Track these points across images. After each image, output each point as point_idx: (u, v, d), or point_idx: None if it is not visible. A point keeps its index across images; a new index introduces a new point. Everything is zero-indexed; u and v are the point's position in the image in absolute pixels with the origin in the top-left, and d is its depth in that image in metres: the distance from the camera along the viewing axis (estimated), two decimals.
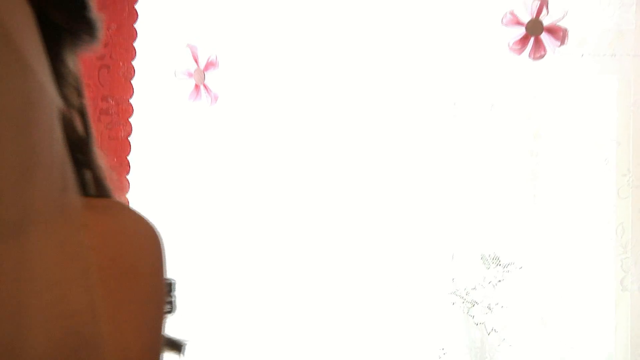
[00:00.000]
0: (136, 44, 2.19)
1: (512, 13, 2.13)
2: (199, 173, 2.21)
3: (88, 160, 0.88)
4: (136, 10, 2.17)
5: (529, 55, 2.14)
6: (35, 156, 0.69)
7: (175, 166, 2.23)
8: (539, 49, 2.12)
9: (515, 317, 2.14)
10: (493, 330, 2.08)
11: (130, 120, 2.20)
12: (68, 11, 0.80)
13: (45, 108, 0.70)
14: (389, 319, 2.12)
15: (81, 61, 2.00)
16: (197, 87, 2.24)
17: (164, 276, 0.85)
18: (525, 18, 2.13)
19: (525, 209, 2.17)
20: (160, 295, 0.85)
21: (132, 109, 2.20)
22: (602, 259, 2.17)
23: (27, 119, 0.68)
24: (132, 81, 2.20)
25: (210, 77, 2.23)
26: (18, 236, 0.69)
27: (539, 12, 2.12)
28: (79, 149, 0.86)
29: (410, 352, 2.09)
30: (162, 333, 0.86)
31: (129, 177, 2.15)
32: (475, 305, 2.12)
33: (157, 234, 0.82)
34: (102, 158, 0.88)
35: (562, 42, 2.12)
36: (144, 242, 0.83)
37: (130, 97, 2.20)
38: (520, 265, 2.11)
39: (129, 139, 2.19)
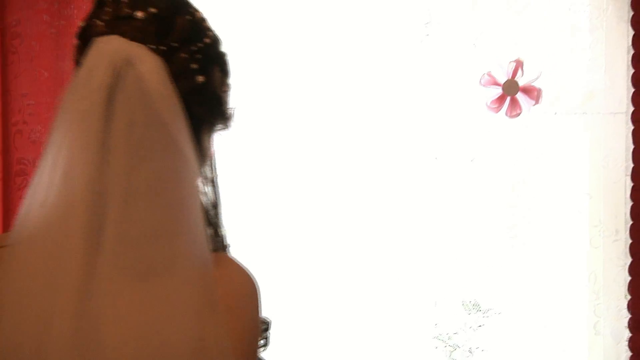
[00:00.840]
0: None
1: (489, 74, 2.25)
2: None
3: (216, 221, 1.13)
4: None
5: (506, 114, 2.24)
6: (182, 213, 0.96)
7: None
8: (514, 108, 2.23)
9: None
10: None
11: None
12: (208, 108, 1.06)
13: (190, 180, 0.97)
14: None
15: None
16: None
17: (260, 315, 1.08)
18: (502, 79, 2.24)
19: (504, 258, 2.25)
20: (255, 330, 1.08)
21: None
22: (576, 305, 2.24)
23: (178, 187, 0.95)
24: None
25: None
26: (167, 276, 0.95)
27: (515, 73, 2.24)
28: (212, 217, 1.12)
29: None
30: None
31: None
32: (457, 349, 2.18)
33: (255, 282, 1.06)
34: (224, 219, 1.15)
35: (537, 101, 2.23)
36: (246, 289, 1.06)
37: None
38: (499, 311, 2.17)
39: None
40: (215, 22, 1.11)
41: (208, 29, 1.09)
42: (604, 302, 2.23)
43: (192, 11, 1.07)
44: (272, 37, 2.35)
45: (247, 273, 1.08)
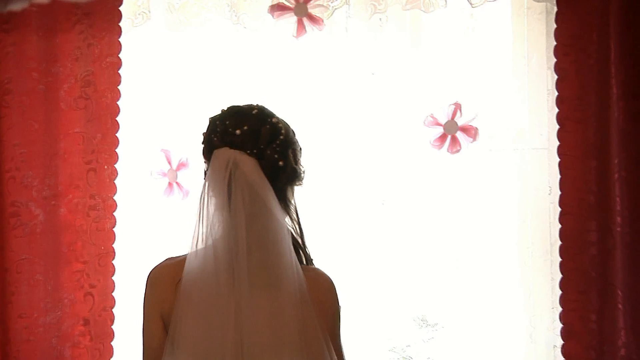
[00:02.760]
0: (118, 150, 2.33)
1: (432, 116, 2.32)
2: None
3: (304, 246, 1.67)
4: (117, 122, 2.35)
5: (447, 150, 2.31)
6: (280, 250, 1.50)
7: (152, 251, 2.29)
8: (455, 145, 2.31)
9: None
10: None
11: (114, 214, 2.36)
12: (288, 178, 1.59)
13: (281, 231, 1.52)
14: None
15: (72, 166, 2.15)
16: (170, 184, 2.39)
17: (338, 303, 1.61)
18: (443, 120, 2.30)
19: (449, 278, 2.33)
20: (337, 314, 1.61)
21: (116, 205, 2.34)
22: (513, 317, 2.33)
23: (275, 237, 1.51)
24: (115, 181, 2.36)
25: (182, 176, 2.36)
26: (278, 286, 1.50)
27: (454, 114, 2.31)
28: (299, 242, 1.65)
29: None
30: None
31: (114, 261, 2.31)
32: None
33: (332, 282, 1.61)
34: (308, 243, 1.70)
35: (474, 138, 2.30)
36: (327, 287, 1.61)
37: (114, 194, 2.37)
38: (444, 325, 2.26)
39: (113, 229, 2.33)
40: None
41: (282, 128, 1.61)
42: (538, 314, 2.31)
43: (270, 120, 1.60)
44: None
45: (327, 276, 1.66)
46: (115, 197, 2.36)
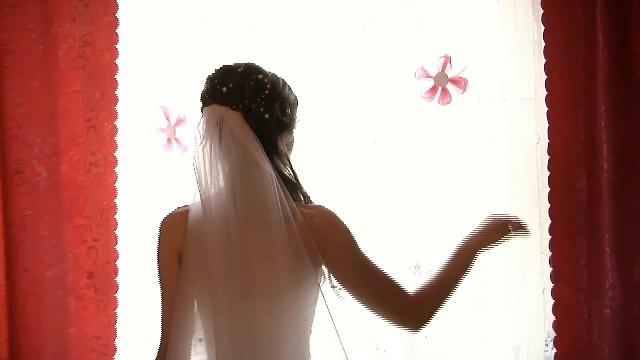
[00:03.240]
0: (117, 108, 2.36)
1: (422, 68, 2.35)
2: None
3: (299, 186, 1.78)
4: (116, 80, 2.36)
5: (438, 102, 2.35)
6: (266, 193, 1.63)
7: (153, 205, 2.36)
8: (445, 97, 2.34)
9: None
10: None
11: (115, 170, 2.38)
12: (274, 129, 1.71)
13: (267, 178, 1.63)
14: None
15: (72, 124, 2.16)
16: (169, 140, 2.42)
17: (348, 229, 1.69)
18: (433, 72, 2.34)
19: (441, 226, 2.38)
20: (349, 239, 1.69)
21: (117, 161, 2.37)
22: (504, 263, 2.40)
23: (262, 183, 1.63)
24: (115, 138, 2.38)
25: (180, 132, 2.38)
26: (288, 223, 1.65)
27: (444, 66, 2.35)
28: (294, 183, 1.76)
29: (350, 349, 2.26)
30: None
31: (116, 216, 2.33)
32: None
33: (337, 217, 1.69)
34: (303, 183, 1.81)
35: (464, 90, 2.33)
36: (333, 216, 1.70)
37: (115, 151, 2.39)
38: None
39: (115, 185, 2.36)
40: None
41: (267, 83, 1.73)
42: (528, 259, 2.40)
43: (255, 76, 1.72)
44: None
45: (328, 211, 1.75)
46: (115, 154, 2.38)
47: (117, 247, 2.38)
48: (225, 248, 1.73)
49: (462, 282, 1.84)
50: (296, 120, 1.87)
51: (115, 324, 2.38)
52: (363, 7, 2.46)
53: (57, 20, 2.40)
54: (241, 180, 1.73)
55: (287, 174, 1.81)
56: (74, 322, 2.40)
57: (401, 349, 2.37)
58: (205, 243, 1.73)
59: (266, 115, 1.73)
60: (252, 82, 1.73)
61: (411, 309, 1.78)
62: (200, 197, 1.72)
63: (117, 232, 2.35)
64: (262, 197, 1.72)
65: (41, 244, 2.41)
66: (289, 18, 2.48)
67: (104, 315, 2.37)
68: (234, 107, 1.71)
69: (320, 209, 1.77)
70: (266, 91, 1.73)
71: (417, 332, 1.89)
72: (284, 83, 1.84)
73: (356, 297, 1.78)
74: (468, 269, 1.89)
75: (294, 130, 1.86)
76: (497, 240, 1.91)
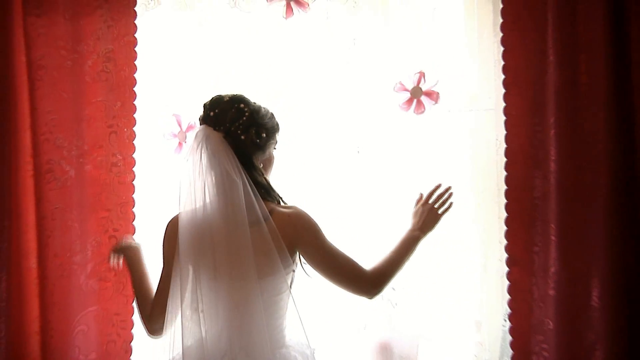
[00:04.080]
0: (135, 115, 2.54)
1: (400, 83, 2.55)
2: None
3: (271, 189, 2.11)
4: (135, 92, 2.55)
5: (414, 112, 2.55)
6: (237, 195, 1.98)
7: (165, 199, 2.51)
8: (420, 107, 2.55)
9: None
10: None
11: (133, 169, 2.56)
12: (250, 149, 2.06)
13: (238, 189, 1.98)
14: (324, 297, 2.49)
15: (96, 130, 2.40)
16: (180, 144, 2.61)
17: (315, 223, 2.06)
18: (410, 86, 2.54)
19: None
20: (315, 232, 2.07)
21: (135, 162, 2.55)
22: (469, 251, 2.62)
23: (234, 191, 1.99)
24: (133, 142, 2.55)
25: (190, 137, 2.49)
26: (260, 224, 1.98)
27: (419, 81, 2.55)
28: (267, 187, 2.09)
29: (334, 324, 2.47)
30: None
31: (134, 209, 2.53)
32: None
33: (302, 211, 2.07)
34: (276, 189, 2.13)
35: (436, 101, 2.54)
36: (304, 214, 2.06)
37: (133, 153, 2.56)
38: (410, 258, 2.38)
39: (133, 182, 2.54)
40: None
41: (246, 112, 2.07)
42: (489, 247, 2.60)
43: (237, 105, 2.07)
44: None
45: (296, 209, 2.10)
46: (133, 155, 2.55)
47: (134, 236, 2.53)
48: (209, 240, 2.06)
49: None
50: (272, 142, 2.20)
51: (132, 302, 2.52)
52: (348, 29, 2.62)
53: (84, 40, 2.57)
54: (222, 187, 2.04)
55: (262, 183, 2.12)
56: (96, 301, 2.56)
57: (380, 325, 2.54)
58: (193, 240, 2.05)
59: (242, 137, 2.07)
60: (233, 110, 2.08)
61: (368, 284, 2.16)
62: (187, 200, 2.05)
63: (134, 223, 2.54)
64: (235, 201, 2.03)
65: (69, 233, 2.56)
66: (283, 39, 2.67)
67: (123, 294, 2.54)
68: (217, 128, 2.07)
69: (295, 209, 2.13)
70: (244, 117, 2.08)
71: (371, 300, 2.24)
72: (266, 113, 2.16)
73: (324, 276, 2.15)
74: (413, 253, 2.27)
75: (268, 150, 2.18)
76: (434, 225, 2.33)
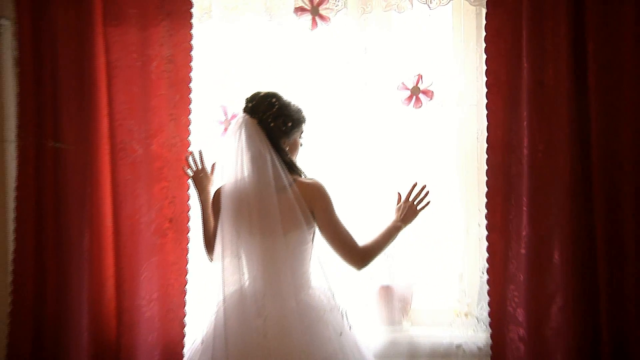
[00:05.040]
0: (191, 106, 2.81)
1: (402, 83, 2.85)
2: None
3: (294, 166, 2.48)
4: (190, 87, 2.80)
5: (413, 106, 2.86)
6: (267, 168, 2.39)
7: (214, 173, 2.75)
8: (418, 103, 2.86)
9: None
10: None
11: (189, 149, 2.80)
12: (277, 134, 2.44)
13: (266, 160, 2.38)
14: None
15: (159, 117, 2.73)
16: (225, 129, 2.83)
17: (329, 195, 2.43)
18: (410, 85, 2.84)
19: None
20: (329, 204, 2.43)
21: (189, 143, 2.82)
22: (455, 220, 2.94)
23: (266, 167, 2.39)
24: (189, 127, 2.82)
25: (233, 123, 2.64)
26: (286, 190, 2.39)
27: (417, 82, 2.85)
28: (290, 164, 2.46)
29: (350, 278, 2.75)
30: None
31: (189, 181, 2.77)
32: None
33: (321, 184, 2.44)
34: (299, 167, 2.50)
35: (431, 98, 2.85)
36: (321, 186, 2.44)
37: (188, 136, 2.82)
38: (407, 227, 2.70)
39: (188, 159, 2.75)
40: None
41: (276, 104, 2.44)
42: (471, 216, 2.93)
43: (269, 99, 2.45)
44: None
45: (317, 182, 2.44)
46: (189, 138, 2.82)
47: (189, 202, 2.82)
48: (246, 207, 2.41)
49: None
50: (297, 131, 2.53)
51: (187, 254, 2.82)
52: (361, 41, 2.87)
53: (150, 46, 2.83)
54: (255, 163, 2.40)
55: (287, 160, 2.46)
56: (158, 253, 2.84)
57: (382, 274, 2.88)
58: (234, 204, 2.41)
59: (272, 124, 2.43)
60: (266, 102, 2.44)
61: (357, 258, 2.49)
62: (230, 173, 2.41)
63: (189, 192, 2.80)
64: (265, 173, 2.39)
65: (137, 199, 2.84)
66: (309, 47, 2.93)
67: (179, 248, 2.83)
68: (253, 116, 2.44)
69: (314, 180, 2.48)
70: (274, 109, 2.44)
71: (358, 271, 2.53)
72: (294, 107, 2.51)
73: (326, 240, 2.47)
74: (395, 239, 2.60)
75: (293, 137, 2.52)
76: (414, 218, 2.65)
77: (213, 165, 2.76)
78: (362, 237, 2.53)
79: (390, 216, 2.67)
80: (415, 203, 2.67)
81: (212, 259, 2.53)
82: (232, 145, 2.42)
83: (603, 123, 2.68)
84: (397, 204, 2.69)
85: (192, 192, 2.83)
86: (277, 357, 2.32)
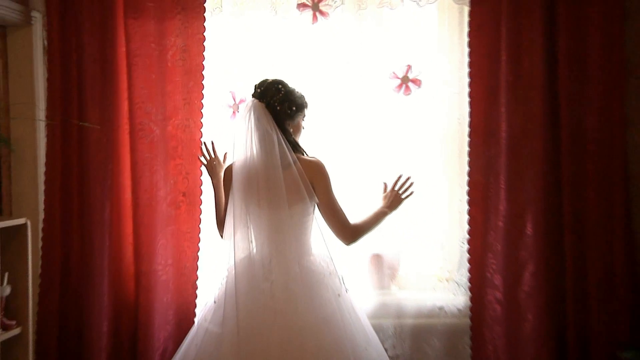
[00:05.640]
0: (203, 92, 3.01)
1: (394, 72, 3.07)
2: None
3: (298, 145, 2.65)
4: (203, 74, 3.01)
5: (403, 94, 3.08)
6: (274, 146, 2.56)
7: (224, 151, 2.96)
8: (407, 90, 3.09)
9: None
10: None
11: (200, 130, 3.01)
12: (282, 116, 2.62)
13: (277, 145, 2.56)
14: None
15: (175, 101, 2.97)
16: (234, 112, 3.08)
17: (327, 174, 2.61)
18: (400, 75, 3.07)
19: (402, 164, 3.05)
20: (327, 180, 2.61)
21: (202, 124, 3.02)
22: (439, 196, 3.16)
23: (274, 146, 2.57)
24: (201, 110, 3.02)
25: (241, 107, 2.98)
26: (290, 167, 2.57)
27: (407, 71, 3.08)
28: (294, 143, 2.63)
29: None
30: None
31: (201, 158, 2.96)
32: None
33: (321, 163, 2.62)
34: (302, 146, 2.66)
35: (419, 86, 3.07)
36: (318, 168, 2.61)
37: (201, 118, 3.02)
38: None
39: (200, 139, 2.99)
40: None
41: (282, 90, 2.61)
42: (454, 192, 3.16)
43: (276, 86, 2.61)
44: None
45: (318, 161, 2.60)
46: (201, 120, 3.02)
47: (201, 177, 3.03)
48: (255, 182, 2.58)
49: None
50: (300, 114, 2.70)
51: (199, 224, 3.05)
52: (358, 34, 3.09)
53: (167, 36, 3.04)
54: (263, 142, 2.56)
55: (291, 140, 2.63)
56: (173, 222, 3.07)
57: (373, 243, 3.09)
58: (244, 180, 2.58)
59: (278, 108, 2.61)
60: (273, 89, 2.62)
61: (347, 234, 2.69)
62: (240, 152, 2.57)
63: (201, 168, 3.00)
64: (272, 151, 2.55)
65: (155, 175, 3.05)
66: (311, 39, 3.13)
67: (192, 219, 3.05)
68: (261, 100, 2.61)
69: (316, 159, 2.65)
70: (280, 94, 2.62)
71: (347, 246, 2.72)
72: (297, 93, 2.68)
73: (322, 215, 2.66)
74: (382, 222, 2.79)
75: (297, 119, 2.68)
76: (399, 205, 2.85)
77: (225, 155, 2.96)
78: (354, 214, 2.74)
79: (377, 202, 2.88)
80: (400, 192, 2.87)
81: (223, 237, 2.71)
82: (242, 126, 2.59)
83: (571, 110, 2.93)
84: (384, 192, 2.89)
85: (204, 168, 3.02)
86: (283, 316, 2.51)
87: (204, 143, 2.98)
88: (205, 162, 2.96)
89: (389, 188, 2.90)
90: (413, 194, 2.89)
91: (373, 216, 2.79)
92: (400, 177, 2.88)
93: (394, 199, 2.86)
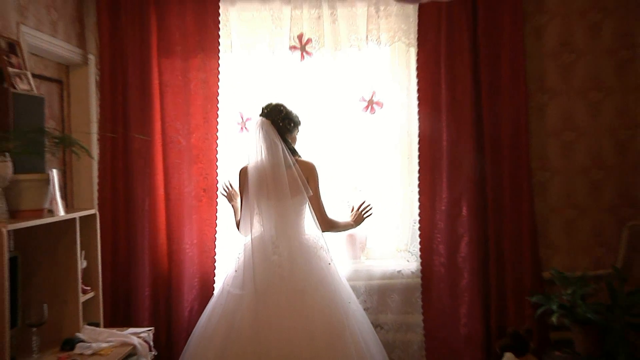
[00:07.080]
0: (218, 112, 3.65)
1: (362, 97, 3.74)
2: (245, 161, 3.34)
3: (295, 151, 3.23)
4: (218, 100, 3.65)
5: (369, 113, 3.76)
6: (280, 152, 3.15)
7: (235, 158, 3.62)
8: (372, 110, 3.77)
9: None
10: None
11: (216, 141, 3.64)
12: (284, 131, 3.21)
13: (282, 152, 3.14)
14: None
15: (196, 120, 3.83)
16: (242, 128, 3.72)
17: (318, 174, 3.21)
18: (367, 98, 3.74)
19: (370, 173, 3.76)
20: (317, 179, 3.22)
21: (217, 137, 3.65)
22: (399, 189, 3.83)
23: (278, 154, 3.16)
24: (217, 127, 3.65)
25: (248, 124, 3.67)
26: (291, 167, 3.17)
27: (372, 96, 3.76)
28: (293, 150, 3.23)
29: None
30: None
31: (217, 163, 3.62)
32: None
33: (314, 164, 3.22)
34: (298, 152, 3.23)
35: (381, 107, 3.76)
36: (313, 166, 3.22)
37: (216, 132, 3.66)
38: (367, 192, 3.71)
39: (216, 148, 3.62)
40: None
41: (283, 111, 3.17)
42: (410, 185, 3.83)
43: (279, 107, 3.20)
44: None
45: (311, 162, 3.17)
46: (217, 134, 3.67)
47: (217, 177, 3.66)
48: (265, 179, 3.06)
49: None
50: (296, 129, 3.20)
51: (216, 212, 3.70)
52: (335, 68, 3.71)
53: (190, 71, 3.70)
54: (271, 150, 3.04)
55: (291, 148, 3.11)
56: (196, 212, 3.71)
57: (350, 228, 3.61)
58: (257, 178, 3.05)
59: (281, 124, 3.10)
60: (277, 109, 3.12)
61: (325, 224, 3.21)
62: (253, 157, 3.03)
63: (217, 170, 3.64)
64: (278, 156, 3.02)
65: (182, 176, 3.71)
66: (299, 71, 3.73)
67: (211, 209, 3.70)
68: (267, 118, 3.10)
69: (309, 161, 3.17)
70: (282, 114, 3.12)
71: (322, 232, 3.18)
72: (295, 114, 3.19)
73: (309, 205, 3.16)
74: (349, 229, 3.41)
75: (294, 133, 3.19)
76: (362, 222, 3.42)
77: (234, 189, 3.55)
78: (333, 210, 3.38)
79: (347, 217, 3.49)
80: (362, 213, 3.42)
81: (240, 230, 3.26)
82: (254, 138, 3.17)
83: (490, 123, 3.71)
84: (351, 212, 3.44)
85: (220, 171, 3.70)
86: (289, 280, 3.05)
87: (224, 184, 3.56)
88: (225, 194, 3.54)
89: (355, 209, 3.44)
90: (372, 215, 3.42)
91: (344, 223, 3.35)
92: (363, 202, 3.41)
93: (357, 217, 3.39)
